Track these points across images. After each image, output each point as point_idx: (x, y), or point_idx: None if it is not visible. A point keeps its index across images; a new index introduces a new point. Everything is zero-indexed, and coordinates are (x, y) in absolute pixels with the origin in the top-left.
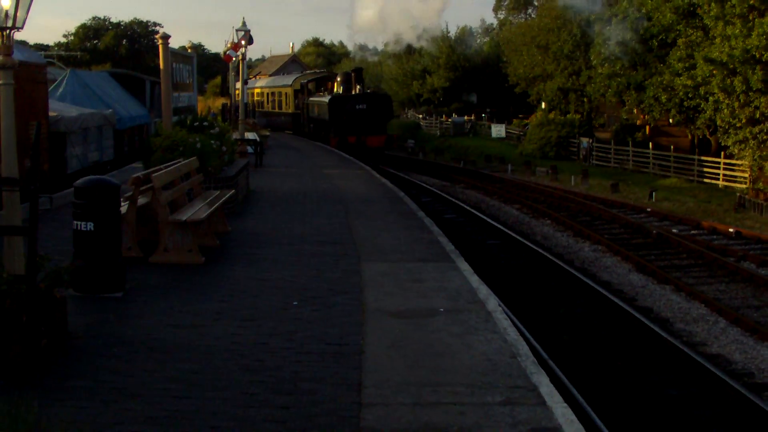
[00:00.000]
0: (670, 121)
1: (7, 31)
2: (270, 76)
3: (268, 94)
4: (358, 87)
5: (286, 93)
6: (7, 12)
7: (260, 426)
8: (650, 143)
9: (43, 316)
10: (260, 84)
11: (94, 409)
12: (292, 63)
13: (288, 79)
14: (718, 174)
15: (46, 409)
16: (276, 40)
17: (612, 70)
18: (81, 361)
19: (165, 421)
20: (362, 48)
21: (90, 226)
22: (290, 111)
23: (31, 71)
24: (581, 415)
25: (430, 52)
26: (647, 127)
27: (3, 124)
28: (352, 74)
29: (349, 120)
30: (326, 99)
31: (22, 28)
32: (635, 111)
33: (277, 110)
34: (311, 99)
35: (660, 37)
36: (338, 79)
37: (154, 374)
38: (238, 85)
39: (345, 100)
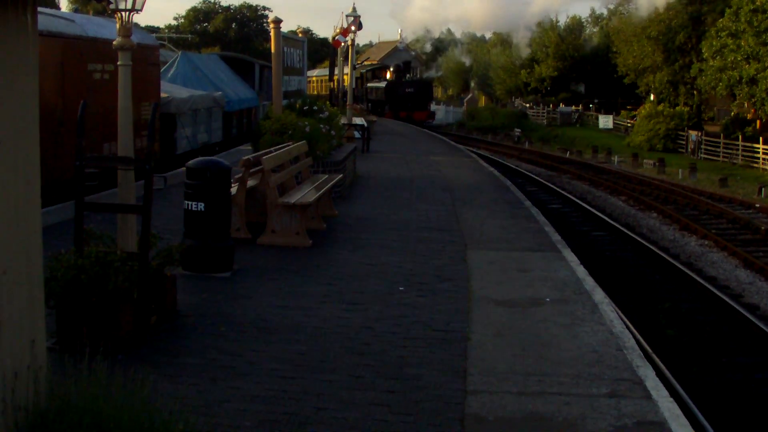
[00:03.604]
0: None
1: (127, 14)
2: (377, 61)
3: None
4: (407, 75)
5: None
6: None
7: (366, 409)
8: (761, 138)
9: (154, 293)
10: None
11: (202, 386)
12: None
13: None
14: None
15: (158, 385)
16: (384, 26)
17: (724, 63)
18: (190, 338)
19: (271, 401)
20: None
21: (201, 206)
22: None
23: (145, 53)
24: (684, 410)
25: (540, 41)
26: (758, 122)
27: (120, 104)
28: (402, 66)
29: (401, 99)
30: (383, 84)
31: (141, 10)
32: (746, 105)
33: None
34: (369, 84)
35: None
36: (391, 69)
37: (261, 354)
38: (346, 70)
39: (398, 84)
